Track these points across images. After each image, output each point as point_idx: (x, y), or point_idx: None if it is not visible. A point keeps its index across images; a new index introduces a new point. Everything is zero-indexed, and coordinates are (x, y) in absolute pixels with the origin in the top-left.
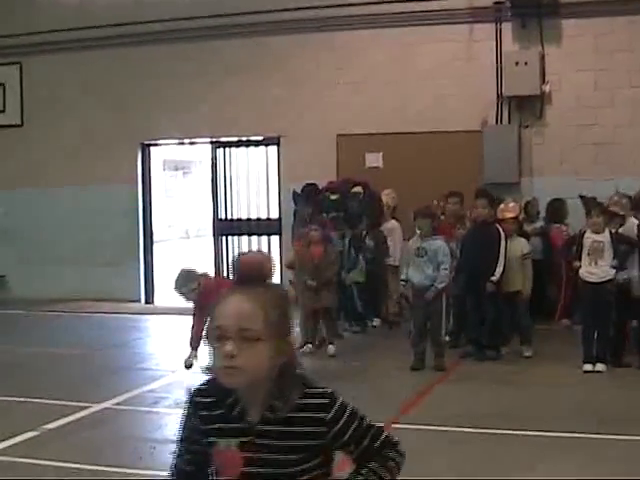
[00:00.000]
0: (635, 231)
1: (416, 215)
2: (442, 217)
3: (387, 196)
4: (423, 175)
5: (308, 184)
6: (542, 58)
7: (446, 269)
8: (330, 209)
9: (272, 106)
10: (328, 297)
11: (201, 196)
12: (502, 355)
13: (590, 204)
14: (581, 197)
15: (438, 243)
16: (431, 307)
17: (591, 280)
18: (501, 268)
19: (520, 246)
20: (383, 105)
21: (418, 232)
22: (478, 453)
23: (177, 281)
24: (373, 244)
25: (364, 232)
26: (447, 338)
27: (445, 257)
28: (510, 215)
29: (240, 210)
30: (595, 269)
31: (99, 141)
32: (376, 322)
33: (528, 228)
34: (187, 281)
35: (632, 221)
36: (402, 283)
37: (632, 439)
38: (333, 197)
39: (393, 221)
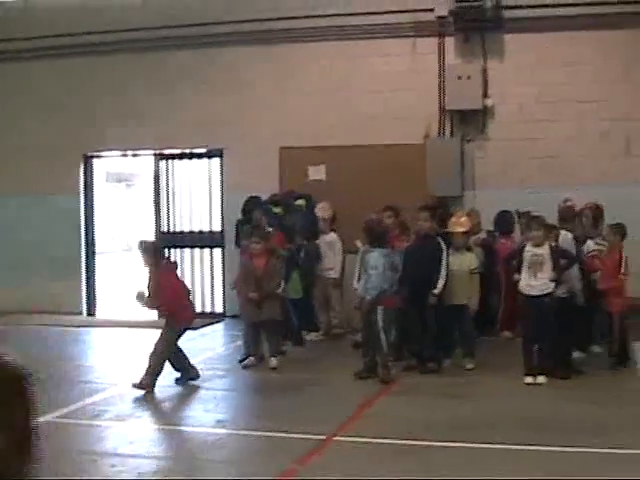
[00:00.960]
0: (571, 244)
1: (364, 228)
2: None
3: (321, 210)
4: (366, 188)
5: (250, 197)
6: (484, 72)
7: (390, 280)
8: (273, 222)
9: (216, 118)
10: (270, 310)
11: (144, 208)
12: (444, 367)
13: (527, 218)
14: (517, 213)
15: (384, 254)
16: (370, 318)
17: (531, 293)
18: (443, 281)
19: (469, 260)
20: (326, 118)
21: (361, 245)
22: (421, 465)
23: None
24: (306, 258)
25: (298, 245)
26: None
27: (391, 268)
28: (461, 229)
29: (183, 222)
30: (535, 282)
31: (42, 152)
32: (312, 336)
33: (470, 240)
34: None
35: (565, 234)
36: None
37: (570, 450)
38: (276, 210)
39: (332, 234)
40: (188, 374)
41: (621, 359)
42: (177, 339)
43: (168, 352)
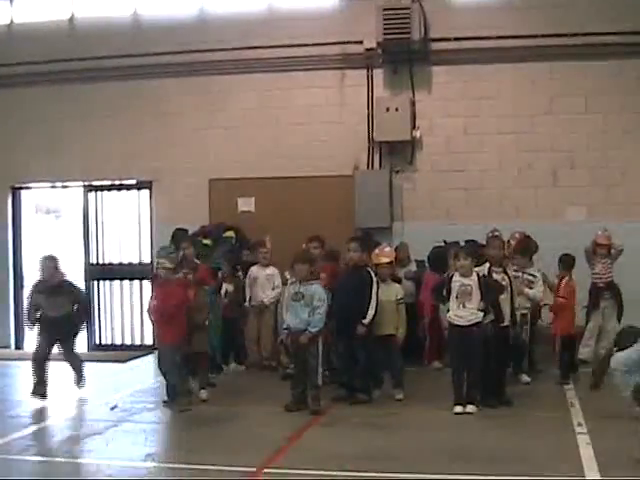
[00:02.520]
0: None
1: (294, 261)
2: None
3: (268, 242)
4: (296, 219)
5: (177, 229)
6: (413, 104)
7: (320, 314)
8: (203, 254)
9: (144, 150)
10: (199, 342)
11: (73, 240)
12: (374, 398)
13: (455, 248)
14: (445, 243)
15: (314, 288)
16: (306, 351)
17: (459, 323)
18: (372, 311)
19: (394, 291)
20: (255, 149)
21: (292, 278)
22: None
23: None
24: (232, 289)
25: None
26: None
27: (320, 302)
28: (385, 260)
29: (112, 254)
30: (463, 312)
31: None
32: (233, 367)
33: (400, 272)
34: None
35: (485, 265)
36: (284, 330)
37: (497, 479)
38: (205, 242)
39: (272, 267)
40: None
41: (565, 376)
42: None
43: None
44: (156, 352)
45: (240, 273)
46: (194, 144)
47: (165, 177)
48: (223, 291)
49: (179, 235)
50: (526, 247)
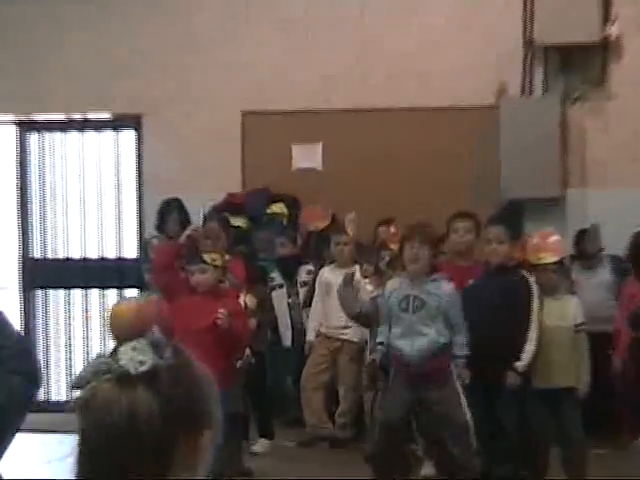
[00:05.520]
0: None
1: (406, 237)
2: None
3: (350, 224)
4: (393, 184)
5: (169, 200)
6: None
7: (463, 333)
8: (234, 241)
9: (132, 63)
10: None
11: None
12: None
13: None
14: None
15: (445, 288)
16: (443, 400)
17: None
18: (532, 347)
19: (571, 310)
20: (328, 61)
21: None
22: None
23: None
24: (253, 304)
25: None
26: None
27: (458, 316)
28: (551, 257)
29: (70, 243)
30: None
31: None
32: (260, 445)
33: (581, 277)
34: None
35: None
36: (378, 346)
37: None
38: (237, 222)
39: (356, 267)
40: None
41: None
42: None
43: None
44: None
45: (304, 279)
46: (216, 52)
47: (164, 108)
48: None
49: (169, 209)
50: None
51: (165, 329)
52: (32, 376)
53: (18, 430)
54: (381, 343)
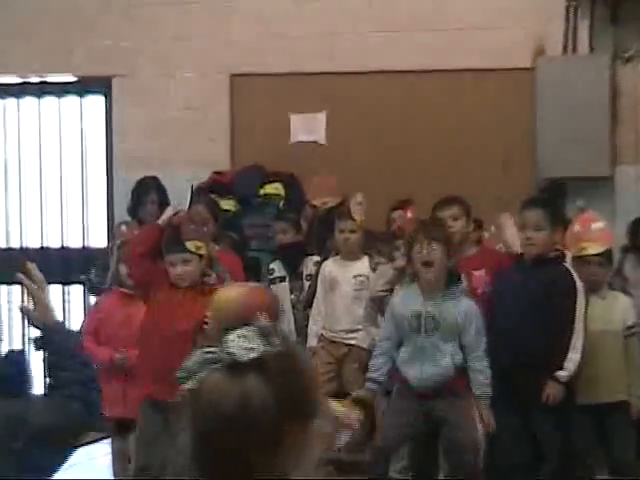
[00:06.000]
0: None
1: (416, 235)
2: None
3: (358, 207)
4: (411, 160)
5: (145, 178)
6: None
7: (485, 362)
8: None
9: (94, 20)
10: None
11: None
12: None
13: None
14: None
15: (463, 305)
16: (452, 410)
17: None
18: (577, 355)
19: (619, 311)
20: (332, 14)
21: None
22: None
23: None
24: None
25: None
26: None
27: (481, 332)
28: (595, 248)
29: (26, 229)
30: None
31: None
32: None
33: (636, 273)
34: None
35: None
36: (368, 383)
37: None
38: (226, 204)
39: (365, 259)
40: None
41: None
42: None
43: None
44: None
45: (311, 271)
46: (204, 7)
47: (139, 69)
48: None
49: (145, 188)
50: None
51: (272, 315)
52: (91, 404)
53: (67, 458)
54: (372, 380)
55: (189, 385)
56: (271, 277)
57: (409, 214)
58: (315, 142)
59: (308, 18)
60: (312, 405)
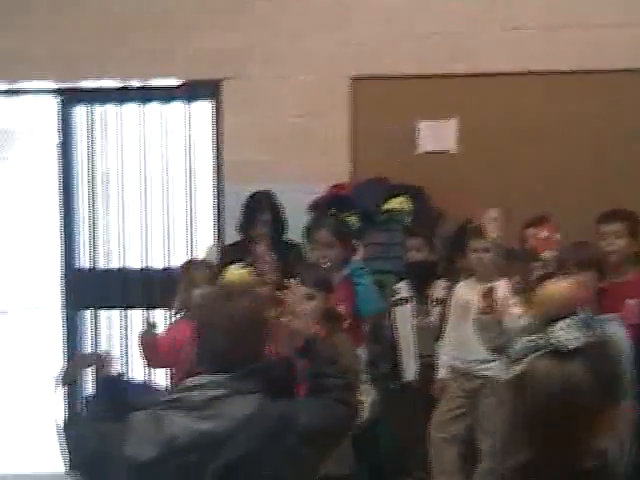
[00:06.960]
0: None
1: (562, 263)
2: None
3: (492, 224)
4: (551, 171)
5: (256, 193)
6: None
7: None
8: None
9: (199, 18)
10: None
11: (35, 211)
12: None
13: None
14: None
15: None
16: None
17: None
18: None
19: None
20: (462, 10)
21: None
22: None
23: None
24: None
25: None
26: None
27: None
28: None
29: (130, 247)
30: None
31: None
32: None
33: None
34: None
35: None
36: None
37: None
38: (349, 218)
39: (503, 281)
40: None
41: None
42: None
43: None
44: None
45: (440, 295)
46: (317, 6)
47: (251, 73)
48: None
49: (261, 205)
50: None
51: (594, 307)
52: (353, 408)
53: (328, 456)
54: None
55: (518, 368)
56: (394, 299)
57: (544, 233)
58: (445, 152)
59: (437, 14)
60: (621, 391)
